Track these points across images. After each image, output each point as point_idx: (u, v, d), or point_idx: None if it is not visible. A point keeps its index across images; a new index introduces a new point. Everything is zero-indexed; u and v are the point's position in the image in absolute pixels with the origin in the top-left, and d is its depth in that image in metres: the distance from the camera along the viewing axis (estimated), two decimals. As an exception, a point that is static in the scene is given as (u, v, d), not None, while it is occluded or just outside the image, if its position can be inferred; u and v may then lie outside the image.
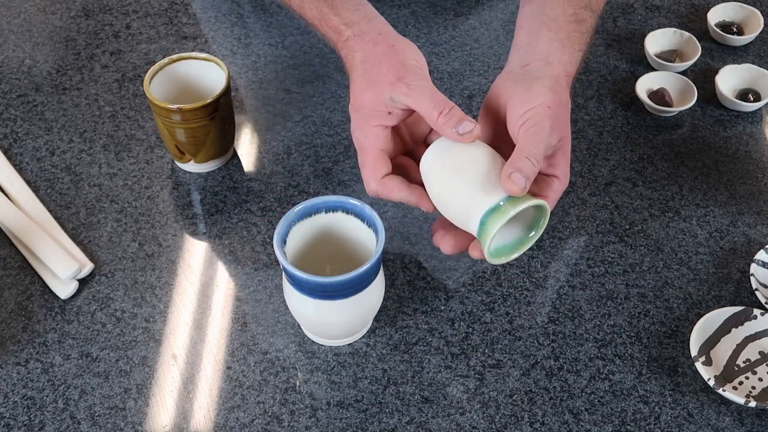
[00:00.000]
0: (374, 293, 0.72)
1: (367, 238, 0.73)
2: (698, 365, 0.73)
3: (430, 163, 0.69)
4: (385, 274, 0.76)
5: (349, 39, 0.74)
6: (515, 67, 0.74)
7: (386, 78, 0.70)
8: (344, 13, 0.75)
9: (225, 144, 0.90)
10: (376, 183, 0.70)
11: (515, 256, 0.68)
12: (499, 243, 0.68)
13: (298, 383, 0.74)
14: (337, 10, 0.75)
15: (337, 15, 0.75)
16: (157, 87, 0.86)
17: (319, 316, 0.72)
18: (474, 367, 0.75)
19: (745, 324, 0.77)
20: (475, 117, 0.96)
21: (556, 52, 0.74)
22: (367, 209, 0.72)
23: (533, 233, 0.68)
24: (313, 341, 0.77)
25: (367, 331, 0.77)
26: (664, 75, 0.99)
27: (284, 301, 0.77)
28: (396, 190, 0.70)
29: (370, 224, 0.72)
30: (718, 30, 1.05)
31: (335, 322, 0.72)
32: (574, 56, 0.74)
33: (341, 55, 0.75)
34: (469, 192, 0.65)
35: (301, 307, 0.72)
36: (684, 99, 0.97)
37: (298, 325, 0.78)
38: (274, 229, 0.73)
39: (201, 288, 0.81)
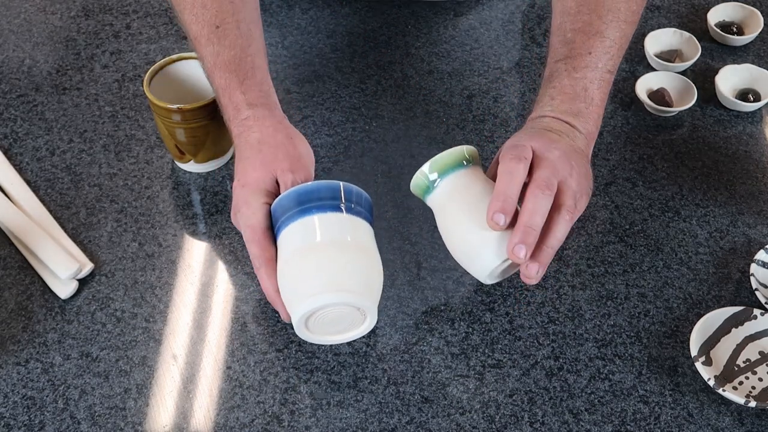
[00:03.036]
0: (361, 225, 0.70)
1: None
2: (698, 365, 0.73)
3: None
4: (385, 274, 0.74)
5: (248, 119, 0.75)
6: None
7: (280, 164, 0.72)
8: (250, 94, 0.76)
9: (225, 144, 0.90)
10: (261, 261, 0.70)
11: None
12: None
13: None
14: (244, 88, 0.76)
15: (243, 93, 0.75)
16: (157, 87, 0.86)
17: (313, 248, 0.67)
18: (474, 367, 0.75)
19: (745, 324, 0.77)
20: (474, 117, 0.96)
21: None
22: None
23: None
24: (312, 342, 0.76)
25: (368, 331, 0.77)
26: (664, 75, 0.99)
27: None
28: (268, 283, 0.69)
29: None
30: (718, 30, 1.05)
31: (336, 241, 0.67)
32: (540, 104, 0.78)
33: (232, 131, 0.76)
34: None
35: (293, 253, 0.68)
36: (684, 99, 0.97)
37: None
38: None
39: (201, 288, 0.81)
